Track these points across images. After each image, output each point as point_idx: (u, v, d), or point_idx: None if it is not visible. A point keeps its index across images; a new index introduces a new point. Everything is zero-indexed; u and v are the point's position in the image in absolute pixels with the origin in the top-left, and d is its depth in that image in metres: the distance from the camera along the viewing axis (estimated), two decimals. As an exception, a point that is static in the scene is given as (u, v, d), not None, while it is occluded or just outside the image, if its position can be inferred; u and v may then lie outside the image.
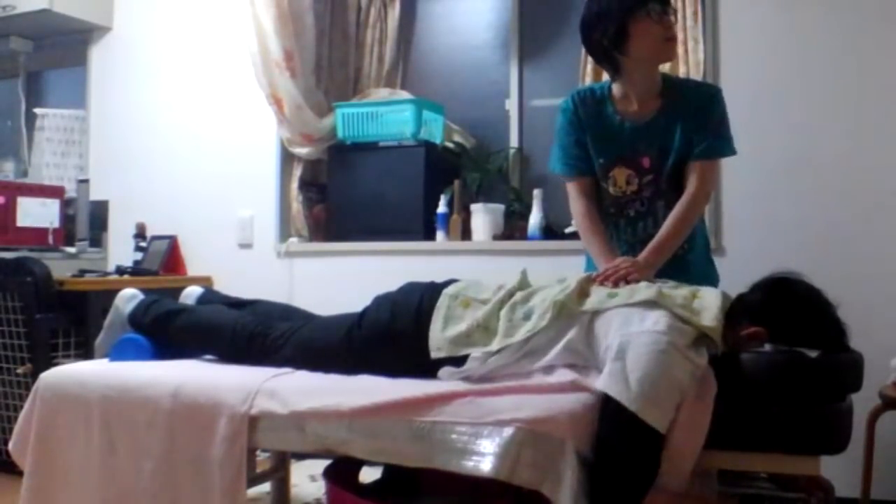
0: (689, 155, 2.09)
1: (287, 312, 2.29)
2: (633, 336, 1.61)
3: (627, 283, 1.86)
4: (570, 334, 1.72)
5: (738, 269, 2.24)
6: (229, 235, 3.67)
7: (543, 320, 1.74)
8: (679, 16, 2.87)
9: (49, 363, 2.83)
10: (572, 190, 2.21)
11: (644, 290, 1.75)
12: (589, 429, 1.56)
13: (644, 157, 2.13)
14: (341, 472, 2.10)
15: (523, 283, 1.94)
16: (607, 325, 1.69)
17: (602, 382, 1.59)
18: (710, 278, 2.22)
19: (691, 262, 2.18)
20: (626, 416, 1.52)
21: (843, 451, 1.66)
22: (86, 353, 3.06)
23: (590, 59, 3.09)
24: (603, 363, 1.64)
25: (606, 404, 1.56)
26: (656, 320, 1.63)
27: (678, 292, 1.76)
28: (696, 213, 2.11)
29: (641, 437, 1.52)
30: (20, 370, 3.05)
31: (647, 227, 2.17)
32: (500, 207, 3.31)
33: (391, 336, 1.90)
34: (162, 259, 3.59)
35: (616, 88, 2.15)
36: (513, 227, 3.31)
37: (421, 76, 3.70)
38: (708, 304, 1.72)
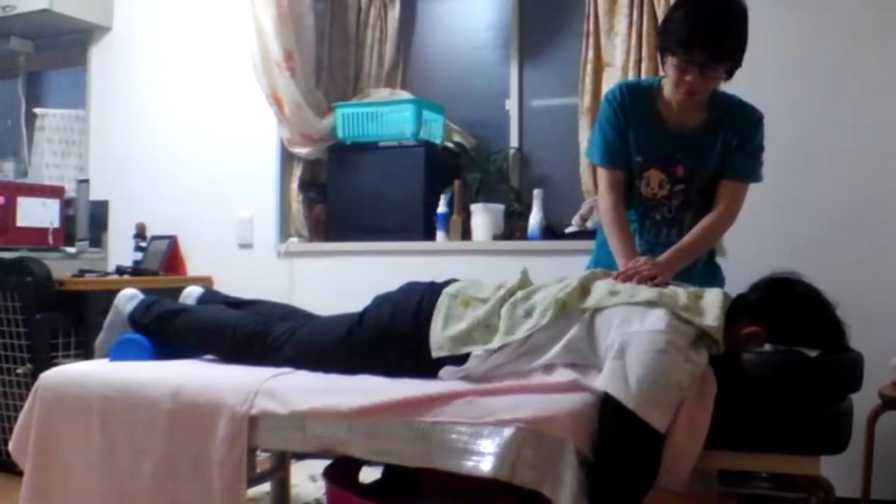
0: (722, 172, 2.11)
1: (287, 312, 2.29)
2: (634, 335, 1.61)
3: (641, 280, 1.86)
4: (571, 332, 1.72)
5: (739, 270, 2.25)
6: (229, 235, 3.68)
7: (545, 318, 1.74)
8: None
9: (49, 363, 2.82)
10: (604, 180, 2.18)
11: (646, 290, 1.75)
12: (589, 429, 1.56)
13: (679, 166, 2.13)
14: (341, 472, 2.10)
15: (524, 282, 1.94)
16: (608, 323, 1.69)
17: (602, 381, 1.59)
18: (714, 282, 2.20)
19: (694, 267, 2.16)
20: (626, 416, 1.52)
21: (843, 451, 1.65)
22: (86, 353, 3.06)
23: (590, 59, 3.12)
24: (603, 361, 1.64)
25: (606, 403, 1.56)
26: (656, 319, 1.63)
27: (682, 293, 1.76)
28: (722, 230, 2.15)
29: (641, 436, 1.52)
30: (20, 370, 3.05)
31: (671, 234, 2.17)
32: (500, 207, 3.31)
33: (391, 336, 1.89)
34: (162, 259, 3.59)
35: (665, 89, 2.13)
36: (513, 227, 3.31)
37: (421, 76, 3.70)
38: (710, 303, 1.72)
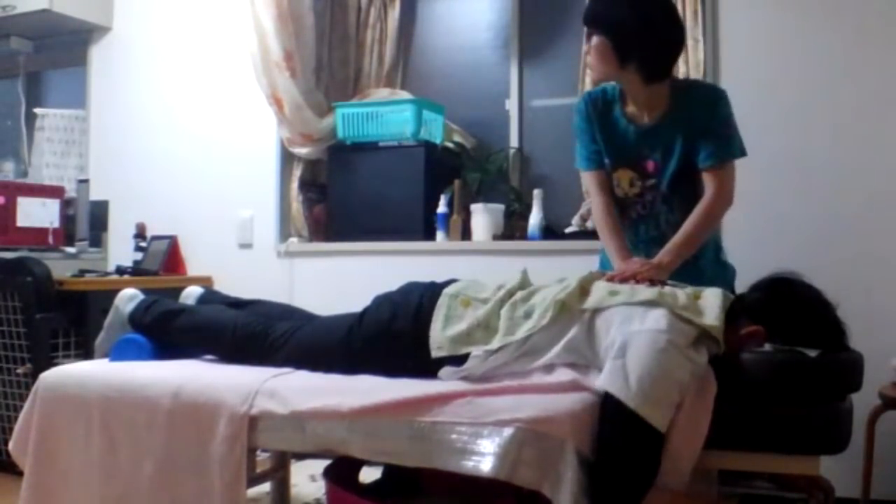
0: (692, 160, 2.08)
1: (287, 312, 2.29)
2: (634, 334, 1.61)
3: (638, 283, 1.86)
4: (571, 333, 1.72)
5: (738, 270, 2.25)
6: (229, 235, 3.68)
7: (544, 319, 1.74)
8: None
9: (49, 363, 2.82)
10: (591, 184, 2.23)
11: (645, 289, 1.75)
12: (589, 429, 1.56)
13: (648, 161, 2.13)
14: (341, 472, 2.10)
15: (524, 283, 1.94)
16: (608, 323, 1.69)
17: (602, 380, 1.59)
18: (722, 281, 2.16)
19: (703, 268, 2.15)
20: (626, 415, 1.52)
21: (843, 451, 1.66)
22: (86, 353, 3.06)
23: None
24: (603, 362, 1.64)
25: (606, 403, 1.56)
26: (657, 319, 1.63)
27: (681, 293, 1.76)
28: (713, 220, 2.09)
29: (641, 435, 1.52)
30: (20, 370, 3.05)
31: (649, 229, 2.18)
32: (500, 207, 3.31)
33: (391, 336, 1.89)
34: (162, 259, 3.59)
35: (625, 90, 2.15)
36: (513, 227, 3.31)
37: (421, 76, 3.70)
38: (709, 303, 1.72)
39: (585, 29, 2.11)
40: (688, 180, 2.11)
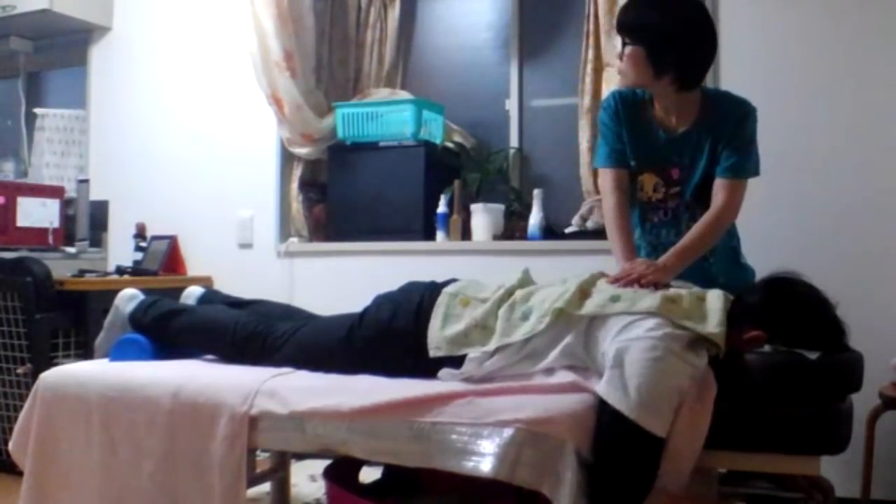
0: (715, 170, 2.08)
1: (287, 312, 2.29)
2: (631, 342, 1.60)
3: (642, 286, 1.85)
4: (568, 339, 1.72)
5: (738, 270, 2.25)
6: (229, 235, 3.68)
7: (541, 324, 1.73)
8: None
9: (49, 363, 2.83)
10: (607, 181, 2.19)
11: (648, 297, 1.72)
12: (589, 429, 1.56)
13: (674, 169, 2.13)
14: (341, 472, 2.10)
15: (524, 282, 1.94)
16: (606, 330, 1.68)
17: (601, 390, 1.58)
18: (741, 282, 2.12)
19: (720, 271, 2.15)
20: (627, 425, 1.52)
21: (843, 451, 1.66)
22: (86, 353, 3.06)
23: (590, 59, 3.12)
24: (602, 367, 1.63)
25: (604, 410, 1.56)
26: (654, 325, 1.62)
27: (684, 296, 1.73)
28: (721, 228, 2.08)
29: (641, 443, 1.52)
30: (20, 370, 3.05)
31: (671, 235, 2.17)
32: (500, 207, 3.30)
33: (391, 335, 1.89)
34: (162, 259, 3.59)
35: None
36: (513, 227, 3.31)
37: (421, 76, 3.69)
38: (712, 307, 1.71)
39: (619, 37, 2.06)
40: (711, 190, 2.10)
